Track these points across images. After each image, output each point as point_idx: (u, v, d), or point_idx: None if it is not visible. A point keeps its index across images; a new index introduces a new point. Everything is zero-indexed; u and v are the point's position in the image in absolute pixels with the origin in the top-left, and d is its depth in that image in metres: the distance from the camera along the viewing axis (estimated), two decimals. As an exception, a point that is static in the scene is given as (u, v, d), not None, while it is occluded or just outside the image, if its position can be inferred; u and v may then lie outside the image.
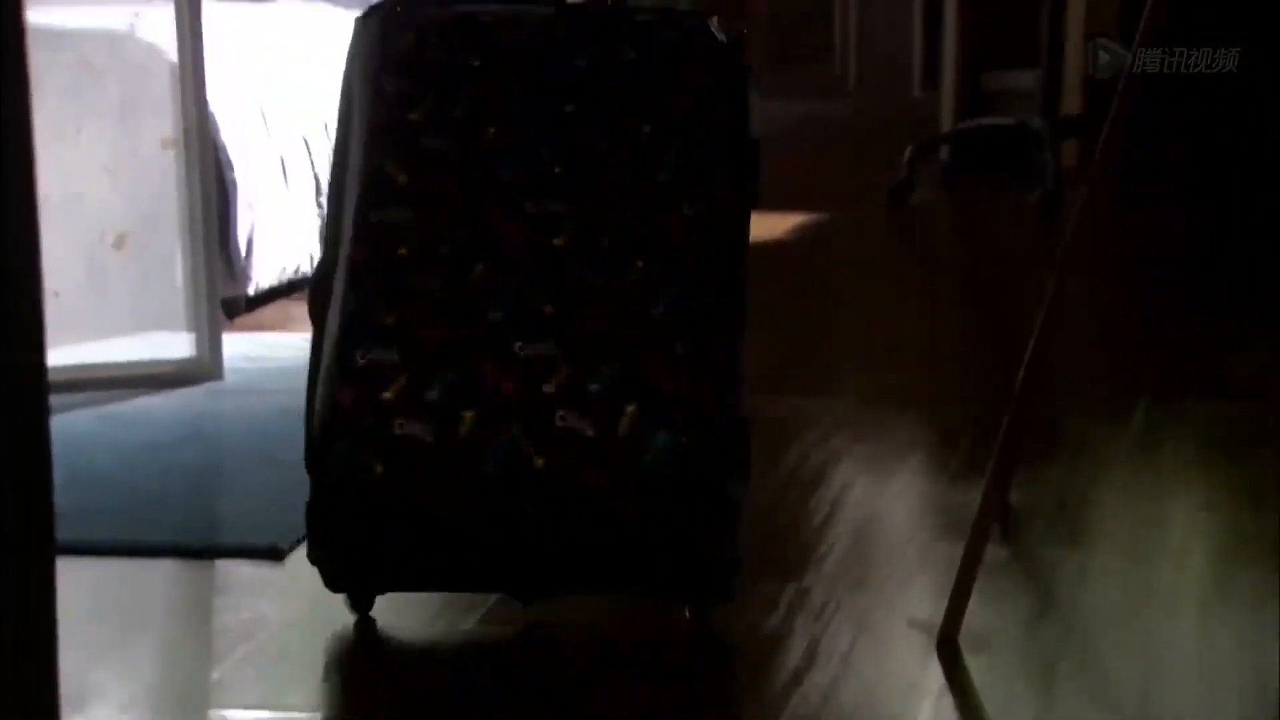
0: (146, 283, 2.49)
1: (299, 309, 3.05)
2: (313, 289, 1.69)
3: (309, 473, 1.61)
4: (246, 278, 2.89)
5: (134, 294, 2.49)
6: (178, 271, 2.49)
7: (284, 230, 2.99)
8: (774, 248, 3.53)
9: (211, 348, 2.49)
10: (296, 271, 3.05)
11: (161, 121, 2.54)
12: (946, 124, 4.38)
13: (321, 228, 1.77)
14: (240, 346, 2.64)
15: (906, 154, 3.93)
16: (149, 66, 2.60)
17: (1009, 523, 1.90)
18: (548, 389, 1.61)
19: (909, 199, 3.93)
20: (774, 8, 4.79)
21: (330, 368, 1.63)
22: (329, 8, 3.47)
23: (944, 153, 4.14)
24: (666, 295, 1.64)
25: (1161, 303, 3.09)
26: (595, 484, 1.59)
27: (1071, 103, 4.18)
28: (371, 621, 1.64)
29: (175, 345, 2.49)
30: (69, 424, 2.24)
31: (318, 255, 3.09)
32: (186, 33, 2.53)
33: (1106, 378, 2.58)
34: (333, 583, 1.65)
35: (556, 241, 1.66)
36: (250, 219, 2.88)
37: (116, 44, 2.59)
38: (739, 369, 1.64)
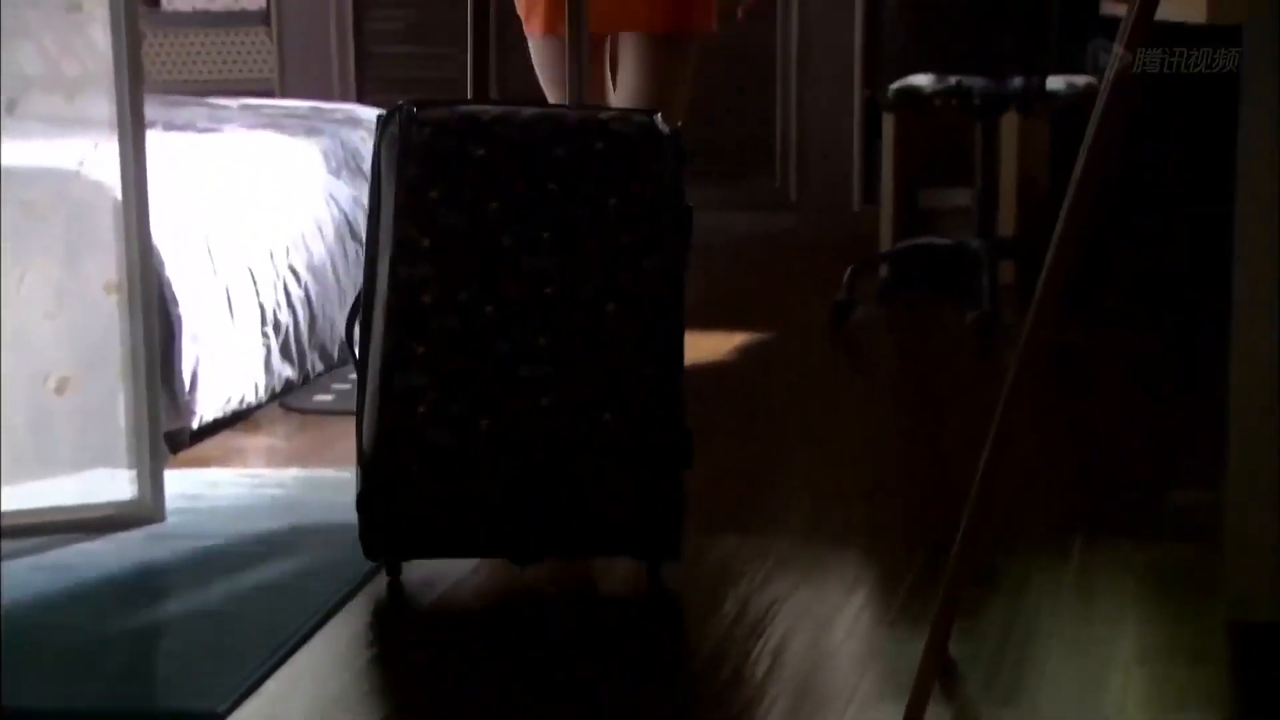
0: (87, 424, 2.48)
1: (244, 440, 3.06)
2: (349, 330, 2.30)
3: (360, 469, 2.23)
4: (190, 411, 2.89)
5: (75, 435, 2.48)
6: (120, 412, 2.49)
7: (228, 362, 2.99)
8: (717, 371, 3.56)
9: (153, 489, 2.48)
10: (241, 402, 3.06)
11: (106, 262, 2.52)
12: (886, 239, 4.44)
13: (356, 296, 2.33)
14: (182, 485, 2.63)
15: (847, 274, 3.98)
16: (95, 205, 2.57)
17: (950, 676, 1.91)
18: (545, 402, 2.23)
19: (850, 318, 3.97)
20: (718, 129, 4.85)
21: (375, 392, 2.23)
22: (275, 136, 3.50)
23: (884, 270, 4.19)
24: (633, 332, 2.26)
25: (1101, 430, 3.13)
26: (582, 474, 2.22)
27: (1008, 223, 4.25)
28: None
29: (116, 486, 2.48)
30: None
31: (263, 384, 3.10)
32: (131, 172, 2.53)
33: (1044, 512, 2.61)
34: (373, 553, 2.25)
35: (547, 290, 2.25)
36: (194, 352, 2.89)
37: (63, 183, 2.57)
38: (682, 388, 2.27)
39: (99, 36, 2.41)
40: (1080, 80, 3.90)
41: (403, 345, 2.23)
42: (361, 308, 2.28)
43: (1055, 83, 3.86)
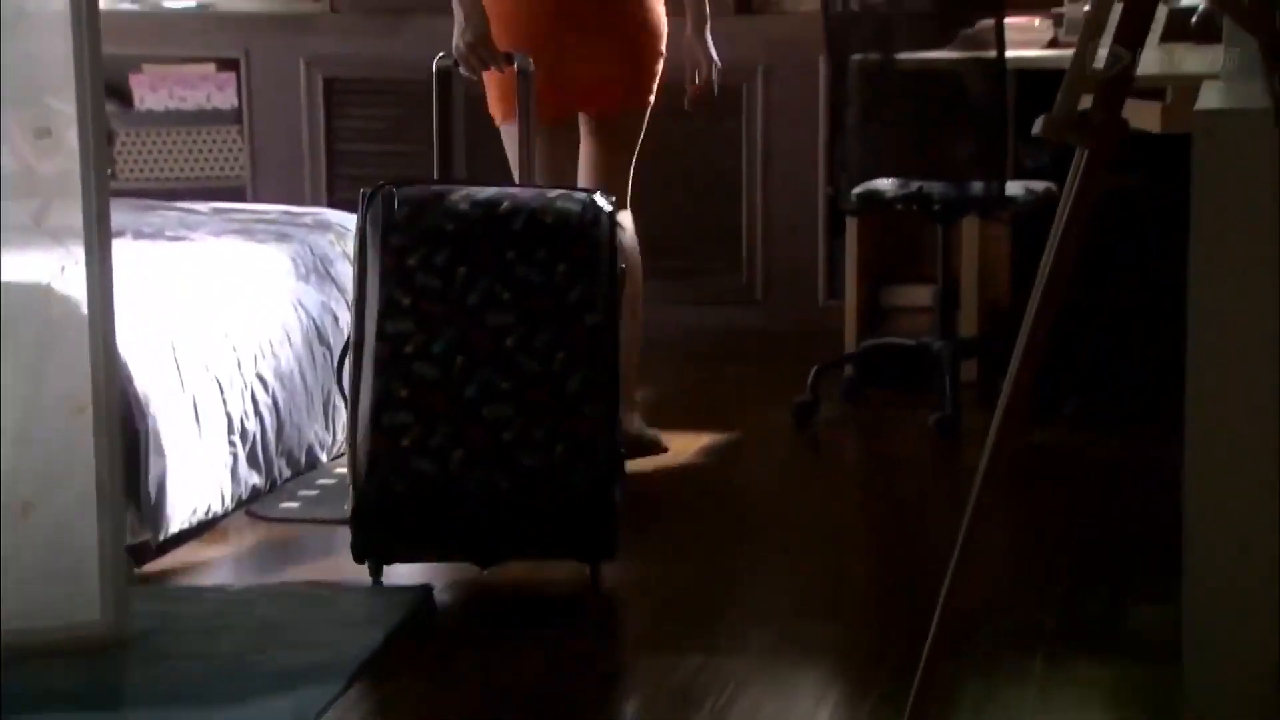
0: (51, 545, 2.48)
1: (210, 551, 3.06)
2: (338, 374, 2.87)
3: (353, 490, 2.74)
4: (157, 523, 2.89)
5: (39, 557, 2.48)
6: (85, 531, 2.49)
7: (195, 473, 3.00)
8: (682, 475, 3.58)
9: (117, 610, 2.49)
10: (208, 512, 3.07)
11: (73, 381, 2.52)
12: (851, 335, 4.48)
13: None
14: (148, 602, 2.64)
15: (811, 374, 4.02)
16: (66, 321, 2.57)
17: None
18: (507, 436, 2.75)
19: (813, 418, 4.01)
20: (684, 225, 4.90)
21: (366, 427, 2.75)
22: (244, 243, 3.52)
23: (848, 369, 4.23)
24: (578, 376, 2.78)
25: (1063, 540, 3.16)
26: (540, 495, 2.75)
27: (970, 321, 4.29)
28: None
29: (80, 608, 2.48)
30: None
31: (229, 493, 3.11)
32: (98, 291, 2.54)
33: (1006, 627, 2.63)
34: (361, 557, 2.77)
35: (508, 342, 2.77)
36: (161, 465, 2.90)
37: (35, 298, 2.55)
38: (618, 422, 2.82)
39: (69, 161, 2.44)
40: (1039, 185, 3.97)
41: (390, 388, 2.76)
42: (351, 352, 2.80)
43: (1014, 188, 3.92)
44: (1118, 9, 1.86)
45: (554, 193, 2.91)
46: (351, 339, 2.81)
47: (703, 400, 4.24)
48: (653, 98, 3.57)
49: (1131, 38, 1.88)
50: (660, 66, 3.55)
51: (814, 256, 4.85)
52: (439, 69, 3.32)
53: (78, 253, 2.49)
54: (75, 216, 2.46)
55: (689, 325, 4.82)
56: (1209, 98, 2.31)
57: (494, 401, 2.74)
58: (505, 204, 2.81)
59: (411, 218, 2.79)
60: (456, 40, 3.31)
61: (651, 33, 3.51)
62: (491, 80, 3.43)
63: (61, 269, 2.49)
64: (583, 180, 3.50)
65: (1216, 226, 2.14)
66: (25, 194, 2.46)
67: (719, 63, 3.65)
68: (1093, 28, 1.91)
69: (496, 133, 3.52)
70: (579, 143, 3.54)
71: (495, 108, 3.48)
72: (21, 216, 2.51)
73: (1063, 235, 1.77)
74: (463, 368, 2.74)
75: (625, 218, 3.43)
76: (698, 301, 4.90)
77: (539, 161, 3.36)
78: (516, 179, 3.37)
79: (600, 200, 2.85)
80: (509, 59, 3.30)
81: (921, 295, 4.43)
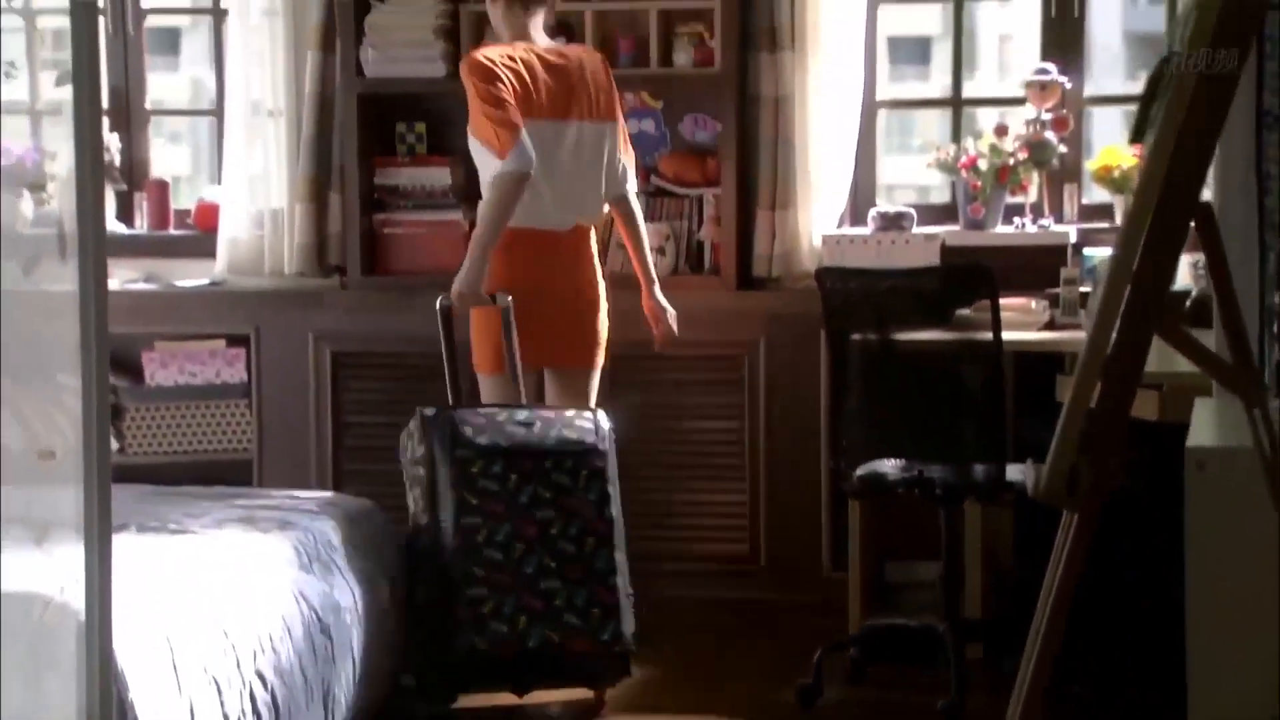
0: None
1: None
2: (412, 558, 3.86)
3: (430, 646, 3.80)
4: (149, 834, 2.85)
5: None
6: None
7: (189, 779, 2.97)
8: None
9: None
10: (201, 818, 3.02)
11: (65, 687, 2.52)
12: (855, 610, 4.46)
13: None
14: None
15: (815, 657, 3.99)
16: (60, 627, 2.57)
17: None
18: (558, 603, 3.80)
19: (816, 703, 3.97)
20: (688, 495, 4.92)
21: (449, 600, 3.77)
22: (245, 535, 3.54)
23: (852, 650, 4.20)
24: (603, 556, 3.86)
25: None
26: (581, 648, 3.82)
27: (975, 600, 4.28)
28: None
29: None
30: None
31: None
32: (96, 602, 2.54)
33: None
34: (434, 698, 3.83)
35: (552, 531, 3.84)
36: (155, 773, 2.87)
37: (29, 607, 2.57)
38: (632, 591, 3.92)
39: (70, 494, 2.47)
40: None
41: (468, 569, 3.76)
42: (423, 535, 3.83)
43: (1015, 472, 3.93)
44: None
45: (569, 412, 3.99)
46: (425, 530, 3.82)
47: (705, 679, 4.20)
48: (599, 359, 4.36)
49: (1124, 384, 1.93)
50: (603, 334, 4.34)
51: (817, 527, 4.86)
52: (441, 308, 4.15)
53: (77, 572, 2.50)
54: (76, 542, 2.48)
55: (692, 596, 4.81)
56: (1200, 427, 2.35)
57: (545, 577, 3.78)
58: (538, 425, 3.91)
59: (473, 435, 3.84)
60: (455, 285, 4.14)
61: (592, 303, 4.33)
62: (479, 333, 4.23)
63: (61, 589, 2.50)
64: None
65: (1211, 554, 2.17)
66: (24, 521, 2.48)
67: (673, 311, 4.44)
68: (1091, 369, 1.96)
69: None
70: (540, 387, 4.34)
71: (482, 360, 4.25)
72: (23, 533, 2.53)
73: (1056, 597, 1.78)
74: (520, 552, 3.79)
75: None
76: (702, 572, 4.90)
77: (508, 401, 4.13)
78: None
79: (602, 420, 3.96)
80: (493, 299, 4.13)
81: (927, 570, 4.42)
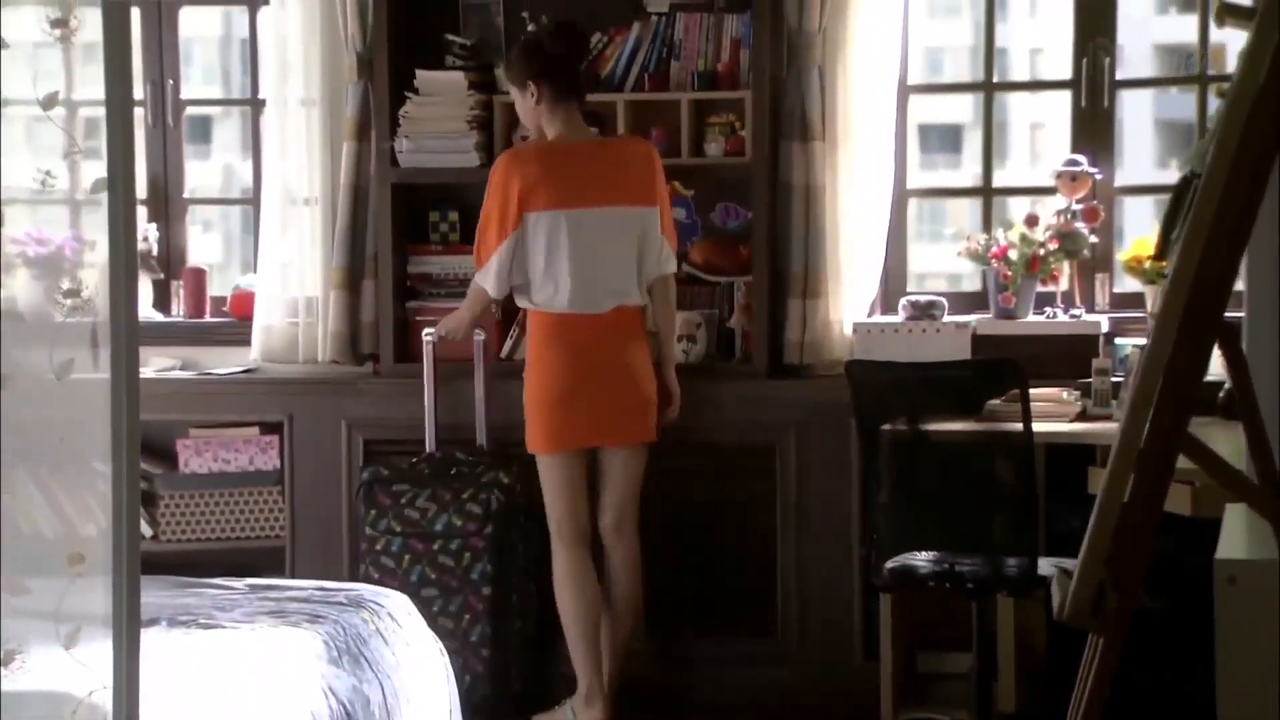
0: None
1: None
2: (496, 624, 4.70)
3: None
4: None
5: None
6: None
7: None
8: None
9: None
10: None
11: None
12: (886, 702, 4.43)
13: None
14: None
15: (847, 753, 3.97)
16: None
17: None
18: None
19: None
20: (718, 582, 4.91)
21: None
22: (274, 629, 3.55)
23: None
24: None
25: None
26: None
27: (1008, 691, 4.25)
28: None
29: None
30: None
31: None
32: (123, 704, 2.55)
33: None
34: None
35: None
36: None
37: (59, 708, 2.58)
38: None
39: (101, 587, 2.48)
40: (1070, 563, 3.96)
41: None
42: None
43: (1046, 567, 3.91)
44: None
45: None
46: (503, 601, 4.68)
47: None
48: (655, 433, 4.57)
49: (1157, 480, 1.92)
50: (654, 413, 4.54)
51: (849, 616, 4.83)
52: (430, 342, 4.75)
53: (106, 673, 2.51)
54: (105, 638, 2.49)
55: (723, 683, 4.79)
56: (1231, 537, 2.34)
57: None
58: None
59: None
60: (447, 326, 4.65)
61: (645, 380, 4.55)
62: (531, 414, 4.47)
63: (90, 692, 2.51)
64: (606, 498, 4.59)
65: (1242, 669, 2.15)
66: (55, 619, 2.50)
67: (679, 397, 4.64)
68: (1123, 462, 1.95)
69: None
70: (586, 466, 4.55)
71: (535, 440, 4.49)
72: (53, 628, 2.55)
73: (1085, 716, 1.77)
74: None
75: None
76: (733, 660, 4.88)
77: (562, 480, 4.49)
78: (548, 501, 4.54)
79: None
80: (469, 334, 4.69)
81: (959, 662, 4.39)
